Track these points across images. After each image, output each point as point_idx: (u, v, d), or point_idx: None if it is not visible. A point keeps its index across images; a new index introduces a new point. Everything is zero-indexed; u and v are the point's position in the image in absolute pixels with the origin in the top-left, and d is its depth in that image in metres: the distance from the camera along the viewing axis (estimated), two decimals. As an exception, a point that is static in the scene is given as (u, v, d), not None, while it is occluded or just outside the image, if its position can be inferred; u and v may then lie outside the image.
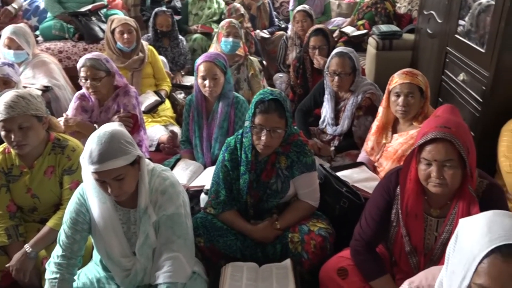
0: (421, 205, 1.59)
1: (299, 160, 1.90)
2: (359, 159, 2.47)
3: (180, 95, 3.58)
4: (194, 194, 2.27)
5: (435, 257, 1.60)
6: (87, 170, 1.46)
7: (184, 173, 2.39)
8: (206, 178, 2.30)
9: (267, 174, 1.91)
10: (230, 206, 1.95)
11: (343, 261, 1.76)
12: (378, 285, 1.64)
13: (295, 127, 1.99)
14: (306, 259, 1.81)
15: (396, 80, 2.20)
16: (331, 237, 1.89)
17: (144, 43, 3.46)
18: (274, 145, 1.84)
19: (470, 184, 1.50)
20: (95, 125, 2.48)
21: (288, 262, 1.79)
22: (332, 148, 2.72)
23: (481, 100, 2.28)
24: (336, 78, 2.63)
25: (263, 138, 1.80)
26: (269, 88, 1.90)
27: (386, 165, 2.28)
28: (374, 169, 2.39)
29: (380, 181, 1.76)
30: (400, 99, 2.16)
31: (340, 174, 2.25)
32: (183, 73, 3.95)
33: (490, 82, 2.21)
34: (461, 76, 2.52)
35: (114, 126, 1.52)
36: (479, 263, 0.89)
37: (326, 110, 2.81)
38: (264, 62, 3.97)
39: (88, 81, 2.47)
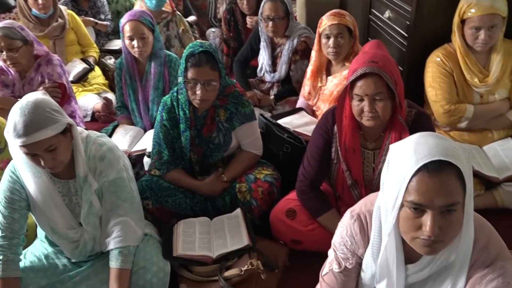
0: (358, 140, 1.67)
1: (238, 111, 1.90)
2: (298, 105, 2.52)
3: (110, 60, 3.41)
4: (137, 159, 2.23)
5: (375, 186, 1.69)
6: (15, 145, 1.38)
7: (123, 139, 2.32)
8: (147, 142, 2.26)
9: (208, 128, 1.90)
10: (175, 165, 1.94)
11: (291, 202, 1.83)
12: (324, 220, 1.73)
13: (231, 79, 1.98)
14: (255, 206, 1.86)
15: (325, 22, 2.23)
16: (277, 182, 1.94)
17: (63, 7, 3.22)
18: (211, 98, 1.82)
19: (400, 114, 1.58)
20: (19, 99, 2.32)
21: (238, 211, 1.83)
22: (272, 97, 2.75)
23: (406, 35, 2.37)
24: (271, 23, 2.61)
25: (198, 92, 1.77)
26: (198, 40, 1.85)
27: (323, 108, 2.34)
28: (313, 113, 2.45)
29: (318, 122, 1.81)
30: (331, 41, 2.20)
31: (280, 121, 2.29)
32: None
33: (413, 17, 2.28)
34: (387, 14, 2.58)
35: (37, 95, 1.43)
36: (409, 182, 0.95)
37: (263, 57, 2.81)
38: (192, 18, 3.83)
39: (4, 53, 2.28)
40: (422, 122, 1.63)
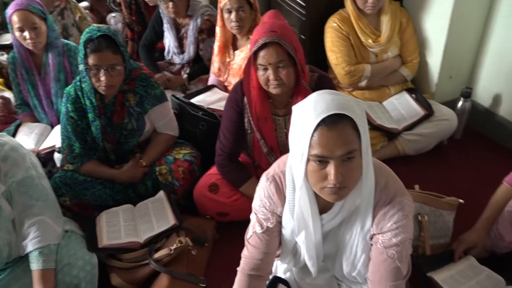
0: (268, 109, 1.73)
1: (148, 94, 1.87)
2: (209, 82, 2.53)
3: (2, 57, 3.13)
4: (47, 157, 2.11)
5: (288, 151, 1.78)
6: None
7: (29, 138, 2.18)
8: (55, 137, 2.14)
9: (119, 115, 1.85)
10: (88, 157, 1.87)
11: (212, 177, 1.87)
12: (246, 189, 1.80)
13: (136, 62, 1.93)
14: (178, 186, 1.87)
15: (225, -4, 2.24)
16: (197, 160, 1.96)
17: None
18: (117, 83, 1.77)
19: (303, 79, 1.66)
20: None
21: (161, 193, 1.83)
22: (185, 76, 2.72)
23: (304, 5, 2.47)
24: (170, 4, 2.55)
25: (102, 78, 1.71)
26: (95, 25, 1.77)
27: (234, 82, 2.38)
28: (225, 89, 2.48)
29: (228, 96, 1.85)
30: (232, 15, 2.22)
31: (194, 100, 2.29)
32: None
33: (308, -13, 2.38)
34: (285, -15, 2.66)
35: None
36: (311, 137, 1.03)
37: (169, 40, 2.75)
38: (84, 3, 3.62)
39: None
40: (324, 84, 1.73)
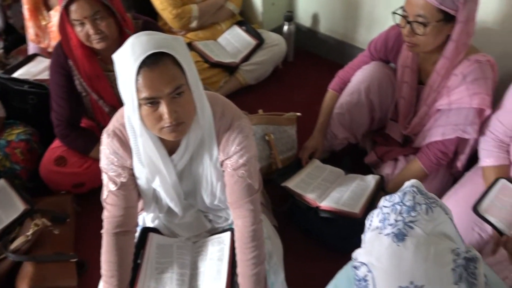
0: (98, 66, 1.64)
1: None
2: (30, 52, 2.28)
3: None
4: None
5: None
6: None
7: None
8: None
9: None
10: None
11: (56, 150, 1.75)
12: (96, 153, 1.69)
13: None
14: (20, 169, 1.72)
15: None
16: (34, 137, 1.81)
17: None
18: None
19: (127, 28, 1.60)
20: None
21: (1, 182, 1.66)
22: (0, 51, 2.41)
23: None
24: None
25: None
26: None
27: (59, 46, 2.18)
28: (49, 55, 2.25)
29: (50, 61, 1.70)
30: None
31: (16, 74, 2.06)
32: None
33: None
34: None
35: None
36: (136, 82, 1.02)
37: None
38: None
39: None
40: (149, 28, 1.69)
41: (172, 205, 1.32)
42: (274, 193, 1.74)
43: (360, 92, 1.71)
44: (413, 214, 0.70)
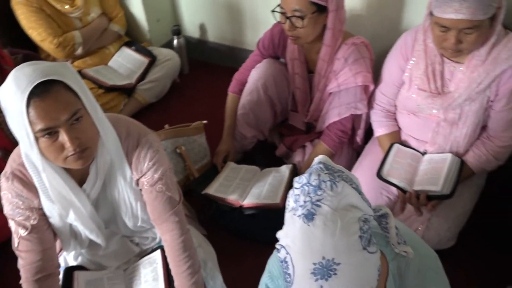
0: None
1: None
2: None
3: None
4: None
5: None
6: None
7: None
8: None
9: None
10: None
11: None
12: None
13: None
14: None
15: None
16: None
17: None
18: None
19: (6, 64, 1.51)
20: None
21: None
22: None
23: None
24: None
25: None
26: None
27: None
28: None
29: None
30: None
31: None
32: None
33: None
34: None
35: None
36: (28, 115, 0.96)
37: None
38: None
39: None
40: (31, 60, 1.60)
41: (93, 237, 1.26)
42: (196, 203, 1.74)
43: (258, 90, 1.79)
44: (319, 193, 0.74)
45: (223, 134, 1.89)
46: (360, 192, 0.81)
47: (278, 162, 1.91)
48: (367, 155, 1.70)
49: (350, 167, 1.71)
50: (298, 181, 0.79)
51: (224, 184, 1.71)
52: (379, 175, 1.51)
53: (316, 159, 0.83)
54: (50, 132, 1.00)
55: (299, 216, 0.74)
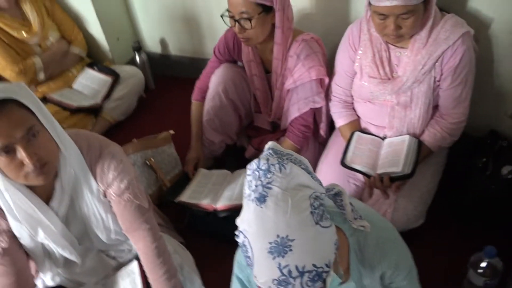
0: None
1: None
2: None
3: None
4: None
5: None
6: None
7: None
8: None
9: None
10: None
11: None
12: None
13: None
14: None
15: None
16: None
17: None
18: None
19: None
20: None
21: None
22: None
23: None
24: None
25: None
26: None
27: None
28: None
29: None
30: None
31: None
32: None
33: None
34: None
35: None
36: None
37: None
38: None
39: None
40: None
41: (66, 254, 1.27)
42: (171, 212, 1.76)
43: (219, 94, 1.83)
44: (268, 175, 0.78)
45: (191, 141, 1.92)
46: (309, 172, 0.85)
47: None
48: (331, 147, 1.76)
49: (317, 160, 1.76)
50: (250, 168, 0.83)
51: (196, 191, 1.73)
52: (343, 163, 1.56)
53: (266, 146, 0.86)
54: (8, 150, 1.01)
55: (252, 200, 0.78)
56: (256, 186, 0.78)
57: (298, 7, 1.92)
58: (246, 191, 0.81)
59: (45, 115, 1.07)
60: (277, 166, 0.79)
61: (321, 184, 0.87)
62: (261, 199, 0.77)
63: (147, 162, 1.81)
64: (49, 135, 1.08)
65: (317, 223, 0.77)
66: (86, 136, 1.23)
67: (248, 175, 0.82)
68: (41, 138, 1.05)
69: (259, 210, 0.76)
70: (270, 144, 0.87)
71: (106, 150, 1.21)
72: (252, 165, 0.82)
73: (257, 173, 0.80)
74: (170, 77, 2.71)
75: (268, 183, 0.78)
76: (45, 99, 2.22)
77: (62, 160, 1.14)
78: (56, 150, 1.10)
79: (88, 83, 2.37)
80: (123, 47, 2.61)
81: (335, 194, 0.93)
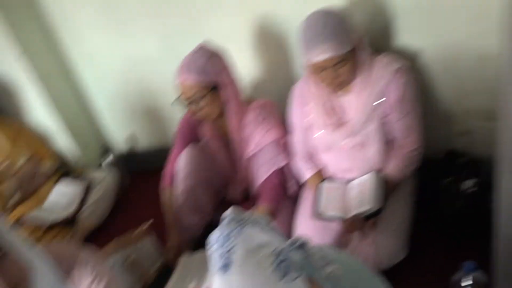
0: None
1: None
2: None
3: None
4: None
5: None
6: None
7: None
8: None
9: None
10: None
11: None
12: None
13: None
14: None
15: None
16: None
17: None
18: None
19: None
20: None
21: None
22: None
23: None
24: None
25: None
26: None
27: None
28: None
29: None
30: None
31: None
32: None
33: None
34: None
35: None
36: None
37: None
38: None
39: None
40: None
41: None
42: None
43: (189, 176, 1.86)
44: (229, 241, 0.80)
45: (168, 230, 1.90)
46: (269, 230, 0.87)
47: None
48: (304, 202, 1.77)
49: (291, 217, 1.76)
50: (212, 238, 0.85)
51: (179, 282, 1.69)
52: (315, 214, 1.58)
53: (224, 214, 0.89)
54: None
55: (218, 269, 0.79)
56: (220, 255, 0.80)
57: (250, 77, 2.02)
58: (212, 261, 0.82)
59: (5, 240, 1.07)
60: (235, 230, 0.81)
61: (283, 239, 0.88)
62: (226, 267, 0.78)
63: (127, 261, 1.77)
64: (14, 258, 1.08)
65: (282, 278, 0.78)
66: (55, 248, 1.25)
67: (212, 244, 0.84)
68: (5, 264, 1.05)
69: (226, 279, 0.78)
70: (228, 211, 0.89)
71: (79, 258, 1.22)
72: (215, 234, 0.84)
73: (220, 241, 0.82)
74: (142, 171, 2.73)
75: (230, 249, 0.79)
76: (18, 222, 2.21)
77: (36, 277, 1.12)
78: (24, 270, 1.10)
79: (60, 197, 2.35)
80: (92, 153, 2.66)
81: (300, 246, 0.94)
